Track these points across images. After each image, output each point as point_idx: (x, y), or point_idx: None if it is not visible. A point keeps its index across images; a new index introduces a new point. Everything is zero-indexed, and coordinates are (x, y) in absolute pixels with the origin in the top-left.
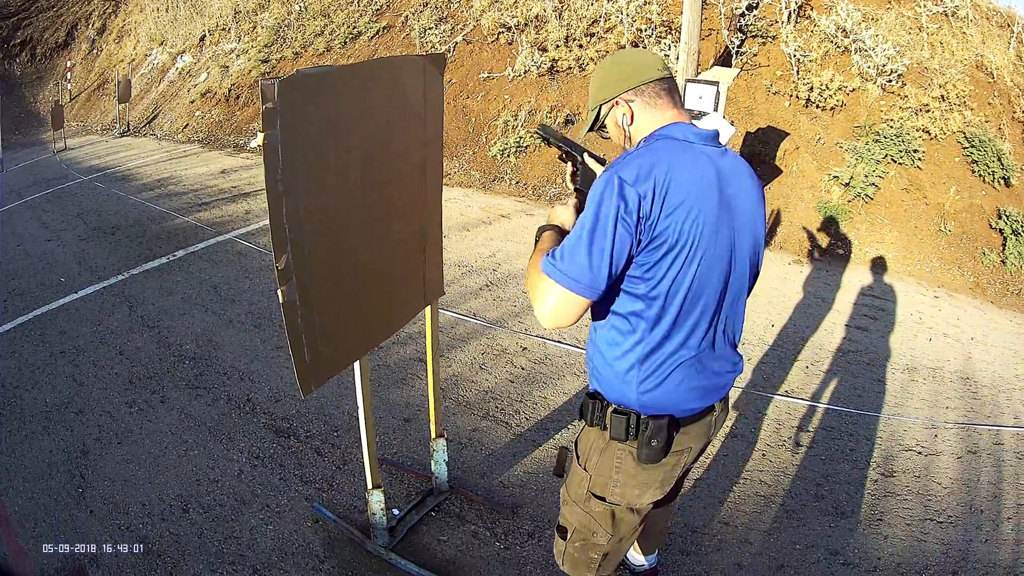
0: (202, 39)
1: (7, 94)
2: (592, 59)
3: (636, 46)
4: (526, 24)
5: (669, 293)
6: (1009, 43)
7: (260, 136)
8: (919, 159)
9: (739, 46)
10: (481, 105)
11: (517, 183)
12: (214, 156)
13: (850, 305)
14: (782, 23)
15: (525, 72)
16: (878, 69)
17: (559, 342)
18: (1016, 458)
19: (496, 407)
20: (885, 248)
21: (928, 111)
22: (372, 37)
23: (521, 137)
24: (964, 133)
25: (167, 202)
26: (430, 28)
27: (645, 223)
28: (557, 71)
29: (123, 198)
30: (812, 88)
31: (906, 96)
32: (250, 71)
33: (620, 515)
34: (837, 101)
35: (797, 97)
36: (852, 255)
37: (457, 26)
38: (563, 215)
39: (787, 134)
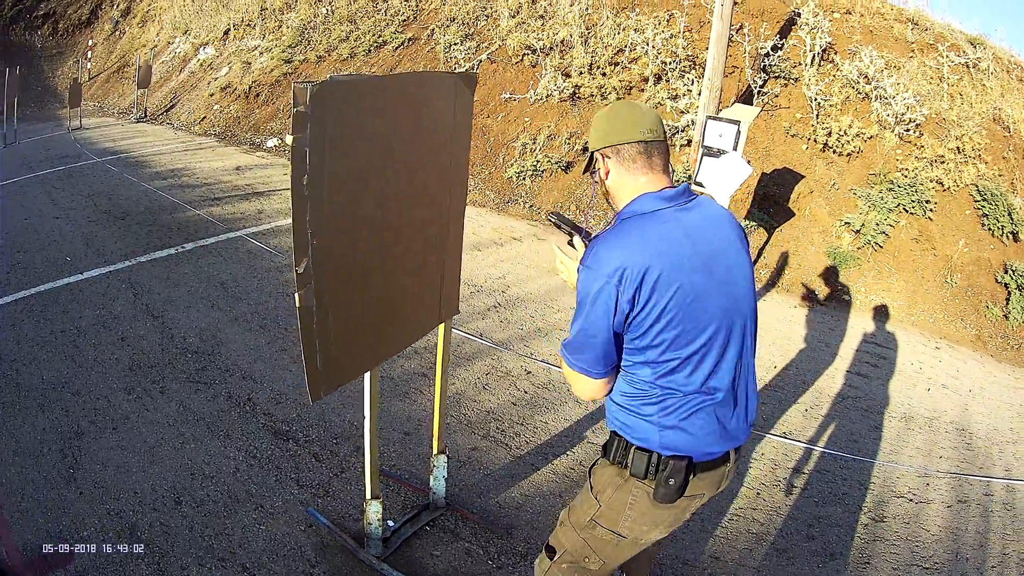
0: (226, 33)
1: (26, 66)
2: (615, 88)
3: (660, 79)
4: (551, 48)
5: (667, 356)
6: None
7: (289, 138)
8: (931, 210)
9: (761, 86)
10: (501, 126)
11: (531, 207)
12: (230, 152)
13: (852, 351)
14: (805, 66)
15: (547, 96)
16: (897, 117)
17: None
18: (1004, 509)
19: (497, 428)
20: (891, 297)
21: (943, 162)
22: (397, 47)
23: (539, 161)
24: (977, 186)
25: (179, 193)
26: (456, 44)
27: (628, 307)
28: (579, 97)
29: (135, 184)
30: (831, 133)
31: (923, 146)
32: (272, 70)
33: (622, 546)
34: (854, 147)
35: (815, 141)
36: (858, 302)
37: (483, 44)
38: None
39: (802, 177)
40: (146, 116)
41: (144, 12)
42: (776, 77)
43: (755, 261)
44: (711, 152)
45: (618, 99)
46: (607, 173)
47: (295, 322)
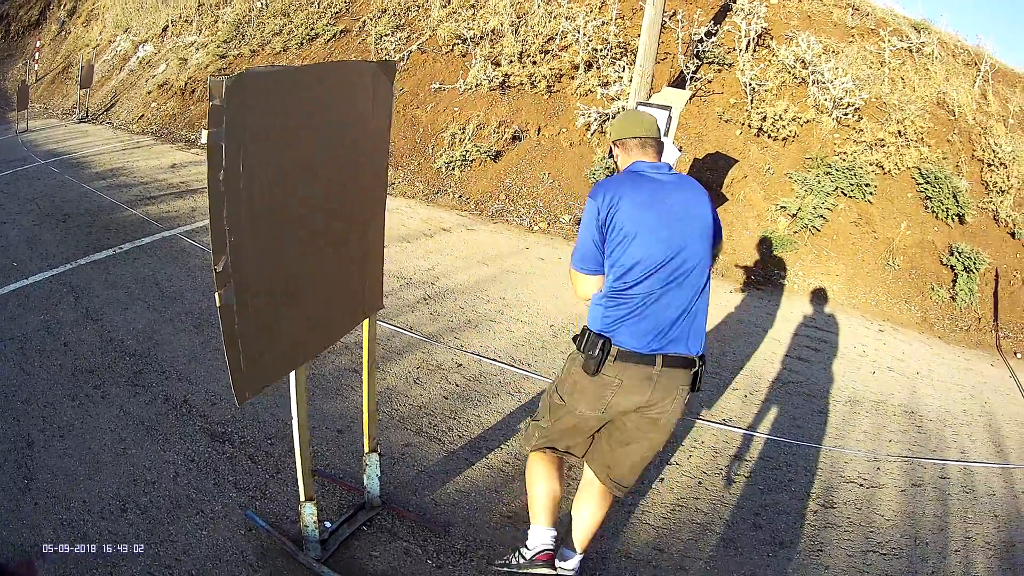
0: (164, 29)
1: None
2: (545, 76)
3: (591, 66)
4: (481, 37)
5: (620, 264)
6: (975, 81)
7: (204, 134)
8: (871, 193)
9: (694, 72)
10: (430, 116)
11: (460, 196)
12: (166, 149)
13: (791, 336)
14: (740, 51)
15: (476, 85)
16: (835, 102)
17: (494, 360)
18: (963, 492)
19: (429, 423)
20: (830, 280)
21: (883, 146)
22: (329, 40)
23: (468, 151)
24: (919, 169)
25: (117, 193)
26: (386, 35)
27: (603, 223)
28: (509, 86)
29: (76, 185)
30: (765, 117)
31: (862, 130)
32: (207, 66)
33: (561, 410)
34: (790, 132)
35: (749, 126)
36: (795, 286)
37: (413, 35)
38: None
39: (736, 162)
40: (88, 116)
41: (88, 11)
42: (710, 63)
43: None
44: None
45: (548, 87)
46: (618, 156)
47: None
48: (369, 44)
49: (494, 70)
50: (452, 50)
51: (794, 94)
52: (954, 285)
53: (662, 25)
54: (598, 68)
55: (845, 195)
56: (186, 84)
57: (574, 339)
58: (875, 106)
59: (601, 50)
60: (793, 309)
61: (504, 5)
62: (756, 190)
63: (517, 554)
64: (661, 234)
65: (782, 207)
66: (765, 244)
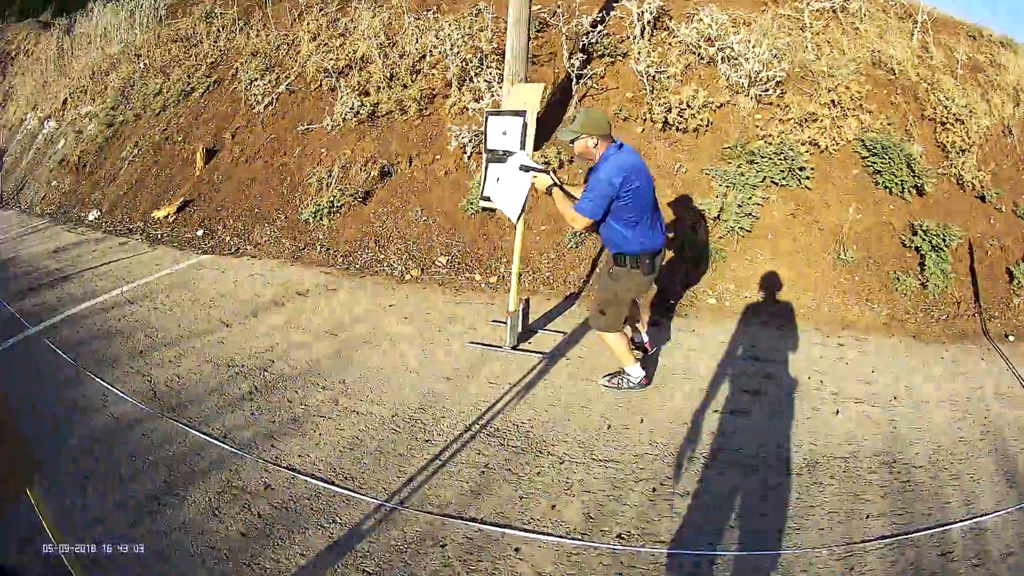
0: (64, 103)
1: None
2: (415, 99)
3: (465, 80)
4: (350, 67)
5: (639, 207)
6: (912, 34)
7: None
8: (807, 177)
9: (581, 67)
10: (298, 162)
11: (327, 250)
12: (56, 232)
13: (723, 377)
14: (634, 38)
15: (344, 120)
16: (751, 78)
17: (310, 477)
18: (974, 565)
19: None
20: (770, 290)
21: (816, 120)
22: (203, 93)
23: (335, 196)
24: (863, 140)
25: (4, 285)
26: (255, 79)
27: (622, 189)
28: (378, 115)
29: None
30: (670, 108)
31: (787, 106)
32: (97, 136)
33: (632, 296)
34: (702, 120)
35: (652, 120)
36: (727, 304)
37: (283, 75)
38: (545, 182)
39: None
40: (1, 201)
41: (5, 91)
42: (600, 56)
43: (587, 279)
44: (496, 156)
45: (419, 111)
46: (595, 145)
47: None
48: (240, 91)
49: (361, 100)
50: (320, 85)
51: (703, 76)
52: (922, 270)
53: (542, 23)
54: (471, 81)
55: (776, 184)
56: (79, 158)
57: (617, 262)
58: (800, 77)
59: (471, 60)
60: (723, 337)
61: (374, 28)
62: (669, 195)
63: (626, 379)
64: (650, 191)
65: (699, 211)
66: (683, 259)
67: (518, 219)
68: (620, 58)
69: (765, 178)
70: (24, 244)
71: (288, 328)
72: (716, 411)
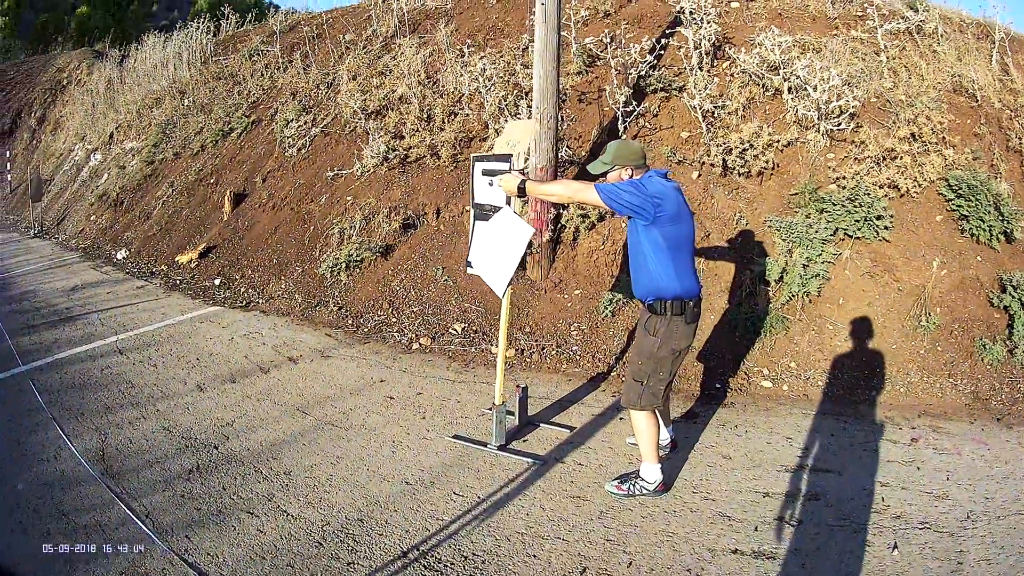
0: (111, 136)
1: None
2: (449, 142)
3: (502, 121)
4: (387, 107)
5: (680, 238)
6: (991, 56)
7: None
8: (886, 227)
9: (632, 106)
10: (324, 209)
11: (340, 309)
12: (82, 269)
13: (758, 498)
14: (690, 69)
15: (375, 166)
16: (820, 110)
17: None
18: None
19: None
20: (837, 369)
21: (895, 158)
22: (241, 133)
23: (354, 251)
24: (947, 180)
25: (15, 318)
26: (291, 120)
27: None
28: (409, 161)
29: None
30: (730, 149)
31: (863, 143)
32: (136, 174)
33: (674, 357)
34: (765, 162)
35: (711, 164)
36: (783, 389)
37: (319, 116)
38: (513, 182)
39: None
40: (42, 230)
41: (56, 119)
42: (654, 91)
43: (620, 356)
44: (483, 212)
45: (453, 157)
46: (630, 178)
47: None
48: (276, 133)
49: (393, 145)
50: (355, 128)
51: (768, 111)
52: (1011, 334)
53: (591, 56)
54: (509, 121)
55: (850, 236)
56: (118, 195)
57: (654, 310)
58: (876, 107)
59: (507, 96)
60: (770, 436)
61: (414, 66)
62: (723, 252)
63: (640, 483)
64: (688, 216)
65: (758, 273)
66: (736, 331)
67: (504, 293)
68: (676, 92)
69: (837, 230)
70: (47, 278)
71: (261, 400)
72: (734, 551)
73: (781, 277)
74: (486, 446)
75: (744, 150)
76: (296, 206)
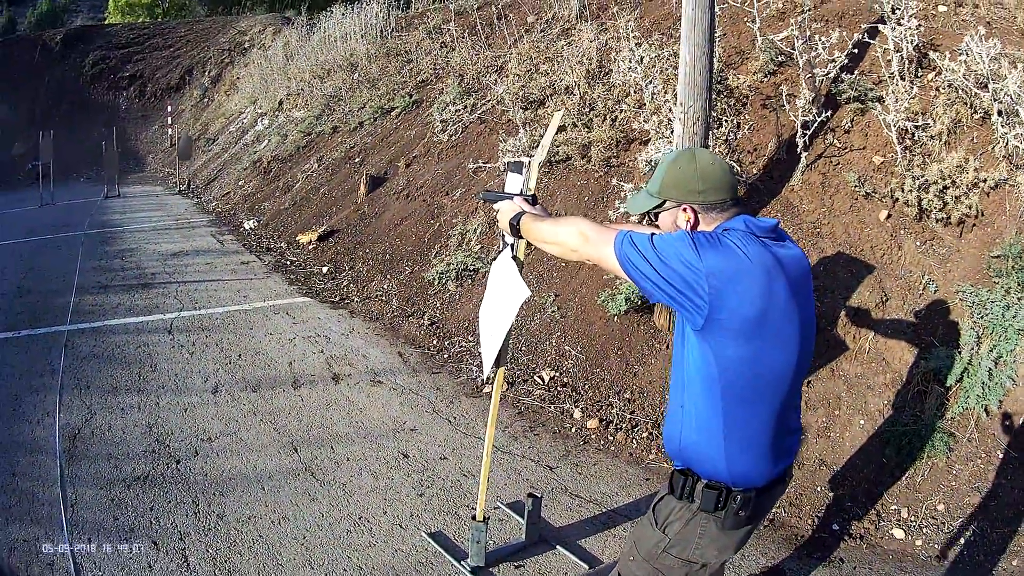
0: (280, 104)
1: (107, 126)
2: (602, 142)
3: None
4: (548, 98)
5: (759, 366)
6: None
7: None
8: None
9: (814, 114)
10: (456, 204)
11: (432, 324)
12: (201, 234)
13: None
14: (890, 76)
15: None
16: None
17: None
18: None
19: None
20: (996, 521)
21: None
22: (400, 113)
23: (473, 256)
24: None
25: (94, 276)
26: (449, 104)
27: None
28: (555, 160)
29: (72, 261)
30: (927, 185)
31: None
32: (291, 144)
33: (691, 572)
34: (968, 207)
35: (905, 202)
36: (918, 543)
37: (480, 101)
38: (509, 214)
39: (872, 270)
40: (188, 188)
41: (232, 80)
42: (849, 100)
43: None
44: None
45: (604, 159)
46: (690, 222)
47: None
48: (432, 115)
49: (538, 142)
50: (512, 117)
51: (976, 139)
52: None
53: (783, 56)
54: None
55: None
56: (269, 163)
57: (675, 488)
58: None
59: (672, 100)
60: None
61: (590, 52)
62: (900, 329)
63: None
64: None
65: (933, 368)
66: (885, 447)
67: (491, 371)
68: (872, 103)
69: None
70: (157, 239)
71: (263, 421)
72: None
73: (961, 377)
74: (462, 561)
75: (945, 187)
76: (429, 197)
